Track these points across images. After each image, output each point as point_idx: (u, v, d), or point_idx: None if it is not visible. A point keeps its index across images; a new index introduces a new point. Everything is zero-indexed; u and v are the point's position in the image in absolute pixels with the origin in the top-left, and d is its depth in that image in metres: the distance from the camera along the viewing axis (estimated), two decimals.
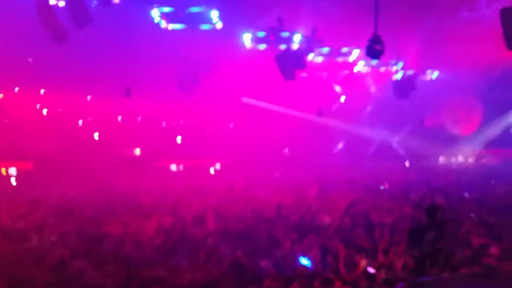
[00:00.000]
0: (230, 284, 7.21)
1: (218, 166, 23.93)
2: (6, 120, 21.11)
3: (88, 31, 14.07)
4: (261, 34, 20.14)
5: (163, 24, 18.59)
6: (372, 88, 26.34)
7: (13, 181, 18.75)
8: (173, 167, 23.74)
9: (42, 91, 22.63)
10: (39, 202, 12.57)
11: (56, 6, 14.64)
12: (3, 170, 19.50)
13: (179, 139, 24.82)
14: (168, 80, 20.20)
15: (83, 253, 8.48)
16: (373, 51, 11.83)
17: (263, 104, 24.70)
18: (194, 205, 12.75)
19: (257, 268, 8.05)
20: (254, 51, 20.85)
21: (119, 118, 24.26)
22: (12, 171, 19.61)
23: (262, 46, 20.97)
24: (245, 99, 24.47)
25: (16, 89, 21.56)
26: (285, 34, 18.99)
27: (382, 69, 24.39)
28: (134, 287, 7.29)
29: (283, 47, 19.08)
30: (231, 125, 25.52)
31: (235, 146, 23.35)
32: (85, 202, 12.80)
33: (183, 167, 24.06)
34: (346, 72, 24.76)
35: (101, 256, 8.45)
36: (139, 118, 24.80)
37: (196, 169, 22.77)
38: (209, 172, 22.83)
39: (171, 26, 18.73)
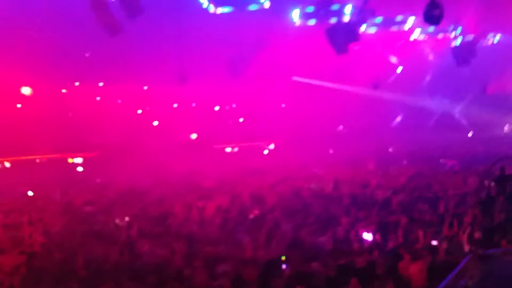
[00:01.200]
0: (291, 260, 7.26)
1: (272, 146, 23.96)
2: (70, 114, 22.22)
3: (139, 22, 14.37)
4: (310, 9, 19.69)
5: (212, 8, 18.65)
6: (430, 57, 25.15)
7: (79, 169, 19.81)
8: (229, 149, 24.02)
9: (100, 84, 23.53)
10: (106, 187, 13.26)
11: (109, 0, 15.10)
12: (70, 160, 20.63)
13: (233, 122, 25.08)
14: (219, 65, 20.34)
15: (149, 233, 8.89)
16: (431, 17, 11.29)
17: (315, 81, 24.30)
18: (251, 185, 12.92)
19: (317, 244, 8.07)
20: (303, 27, 20.47)
21: (175, 105, 24.83)
22: (78, 160, 20.69)
23: (312, 22, 20.52)
24: (296, 78, 24.18)
25: (77, 83, 22.57)
26: (335, 7, 18.45)
27: (440, 35, 23.18)
28: (199, 263, 7.52)
29: (333, 20, 18.58)
30: (283, 105, 25.36)
31: (288, 126, 23.23)
32: (149, 186, 13.32)
33: (238, 149, 24.29)
34: (402, 41, 23.73)
35: (166, 235, 8.80)
36: (193, 104, 25.26)
37: (251, 150, 22.94)
38: (264, 152, 22.93)
39: (220, 10, 18.77)
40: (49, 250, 7.98)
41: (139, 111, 24.57)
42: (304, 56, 22.25)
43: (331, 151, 20.08)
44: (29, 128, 19.19)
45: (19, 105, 20.46)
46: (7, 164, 19.31)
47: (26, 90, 20.37)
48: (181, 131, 23.83)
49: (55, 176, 16.58)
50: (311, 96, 24.15)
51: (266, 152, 22.94)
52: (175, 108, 24.93)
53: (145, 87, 24.20)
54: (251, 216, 9.87)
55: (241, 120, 24.55)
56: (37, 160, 19.68)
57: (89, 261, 7.43)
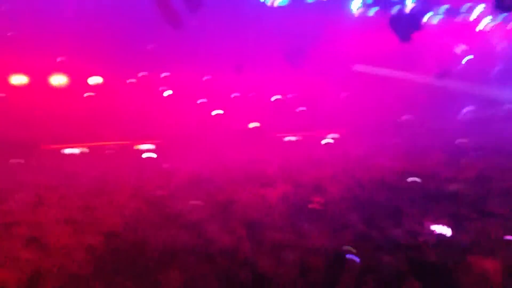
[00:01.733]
0: (360, 252, 7.20)
1: (333, 136, 23.64)
2: (135, 103, 23.14)
3: (200, 14, 14.71)
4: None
5: (269, 1, 18.71)
6: (499, 46, 23.79)
7: (146, 155, 20.61)
8: (289, 138, 24.02)
9: (162, 75, 24.28)
10: (171, 173, 13.73)
11: None
12: (137, 146, 21.50)
13: (293, 111, 25.02)
14: (277, 56, 20.40)
15: (214, 219, 9.12)
16: (502, 4, 10.69)
17: (377, 71, 23.73)
18: (313, 175, 12.88)
19: (387, 236, 7.93)
20: (363, 17, 20.06)
21: (234, 94, 25.14)
22: (144, 147, 21.51)
23: (372, 11, 20.05)
24: (357, 67, 23.71)
25: (140, 74, 23.42)
26: None
27: (510, 25, 21.90)
28: (265, 249, 7.63)
29: (395, 9, 18.08)
30: (343, 94, 24.96)
31: (349, 115, 22.86)
32: (211, 173, 13.62)
33: (299, 138, 24.23)
34: (468, 30, 22.66)
35: (230, 221, 8.98)
36: (251, 94, 25.46)
37: (312, 139, 22.76)
38: (325, 142, 22.66)
39: (277, 3, 18.79)
40: (123, 231, 8.39)
41: (199, 101, 25.10)
42: (364, 46, 21.85)
43: (394, 141, 19.52)
44: (98, 116, 20.24)
45: (88, 94, 21.54)
46: (78, 151, 20.44)
47: (94, 81, 21.40)
48: (240, 121, 24.11)
49: (125, 162, 17.37)
50: (373, 86, 23.63)
51: (327, 141, 22.70)
52: (235, 97, 25.24)
53: (205, 78, 24.68)
54: (315, 205, 9.87)
55: (301, 109, 24.44)
56: (107, 147, 20.71)
57: (161, 243, 7.77)
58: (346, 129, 22.86)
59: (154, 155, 19.62)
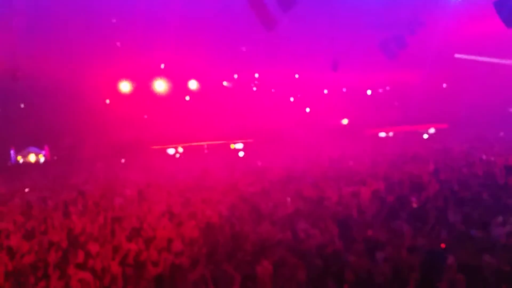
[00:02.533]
0: (458, 250, 6.78)
1: (432, 130, 22.42)
2: (229, 103, 24.02)
3: (292, 13, 14.70)
4: None
5: None
6: None
7: (240, 154, 21.39)
8: (383, 134, 23.28)
9: (256, 75, 24.88)
10: (264, 171, 14.07)
11: None
12: (232, 145, 22.38)
13: (386, 106, 24.20)
14: (372, 49, 19.81)
15: (306, 214, 9.17)
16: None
17: (482, 59, 21.91)
18: (409, 171, 12.37)
19: (489, 236, 7.39)
20: (464, 3, 18.69)
21: (325, 91, 24.97)
22: (239, 146, 22.32)
23: None
24: (459, 55, 22.13)
25: (235, 75, 24.23)
26: None
27: None
28: (359, 247, 7.50)
29: None
30: (444, 85, 23.47)
31: (450, 108, 21.46)
32: (303, 170, 13.71)
33: (393, 133, 23.36)
34: None
35: (322, 218, 8.96)
36: (344, 89, 25.07)
37: (408, 134, 21.84)
38: (423, 137, 21.58)
39: None
40: (219, 225, 8.82)
41: (292, 99, 25.31)
42: (465, 33, 20.37)
43: (501, 134, 17.91)
44: (197, 117, 21.39)
45: (187, 98, 22.84)
46: (180, 149, 21.84)
47: (193, 84, 22.63)
48: (332, 117, 23.88)
49: (221, 160, 18.17)
50: (477, 74, 21.90)
51: (425, 136, 21.54)
52: (326, 94, 25.05)
53: (296, 75, 24.81)
54: (411, 203, 9.48)
55: (393, 104, 23.52)
56: (205, 146, 21.87)
57: (254, 236, 8.03)
58: (447, 122, 21.51)
59: (248, 153, 20.33)
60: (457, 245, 6.99)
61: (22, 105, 20.32)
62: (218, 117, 22.08)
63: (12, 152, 19.25)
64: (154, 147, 21.27)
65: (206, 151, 20.98)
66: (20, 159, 19.44)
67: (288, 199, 10.09)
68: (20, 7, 15.18)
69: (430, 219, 8.28)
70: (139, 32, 18.37)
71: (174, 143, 21.82)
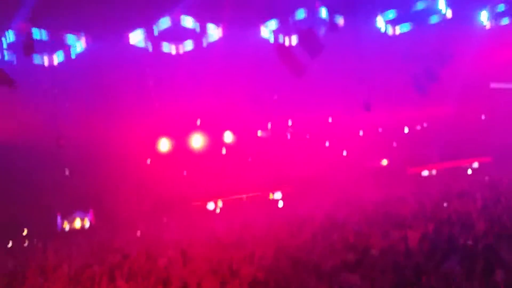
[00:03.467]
0: None
1: (476, 164, 21.56)
2: (267, 154, 24.04)
3: (321, 57, 14.83)
4: (501, 8, 17.75)
5: (390, 30, 18.35)
6: None
7: (280, 204, 21.17)
8: (425, 173, 22.57)
9: (290, 122, 25.00)
10: (305, 220, 13.82)
11: (290, 45, 16.20)
12: (271, 195, 22.25)
13: (426, 143, 23.56)
14: (403, 85, 19.63)
15: (352, 265, 8.85)
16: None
17: None
18: (457, 209, 11.86)
19: None
20: (494, 29, 18.46)
21: (361, 132, 24.71)
22: (277, 195, 22.16)
23: (505, 21, 18.38)
24: (495, 85, 21.54)
25: (269, 124, 24.43)
26: None
27: None
28: None
29: None
30: (483, 116, 22.75)
31: (492, 140, 20.66)
32: (346, 217, 13.38)
33: (436, 171, 22.62)
34: None
35: (370, 267, 8.62)
36: (380, 129, 24.74)
37: (452, 171, 21.08)
38: (468, 172, 20.76)
39: (399, 30, 18.35)
40: (263, 282, 8.63)
41: (327, 143, 25.13)
42: (500, 60, 19.95)
43: None
44: (234, 170, 21.48)
45: (224, 150, 23.11)
46: (220, 204, 21.91)
47: (228, 136, 22.92)
48: (371, 158, 23.46)
49: (260, 212, 18.02)
50: None
51: (470, 172, 20.71)
52: (362, 135, 24.78)
53: (330, 119, 24.75)
54: (462, 243, 9.02)
55: (433, 140, 22.85)
56: (244, 198, 21.84)
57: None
58: (491, 155, 20.65)
59: (287, 203, 20.09)
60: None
61: (67, 171, 21.09)
62: (255, 168, 22.13)
63: (58, 218, 19.84)
64: (195, 203, 21.43)
65: (245, 203, 20.94)
66: (66, 225, 19.98)
67: (332, 249, 9.80)
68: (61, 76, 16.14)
69: (482, 259, 7.83)
70: (173, 91, 19.06)
71: (213, 198, 21.92)
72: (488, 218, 10.20)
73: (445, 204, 13.10)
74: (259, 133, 24.05)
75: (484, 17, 18.23)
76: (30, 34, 13.62)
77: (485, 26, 18.40)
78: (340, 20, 16.44)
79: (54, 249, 14.76)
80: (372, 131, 24.02)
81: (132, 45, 16.15)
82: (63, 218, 20.14)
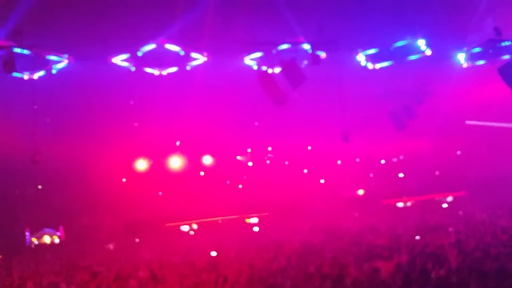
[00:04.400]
0: None
1: (450, 198, 21.97)
2: (244, 177, 24.14)
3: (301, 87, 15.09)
4: (477, 50, 18.47)
5: (370, 65, 18.84)
6: None
7: (255, 229, 21.05)
8: (400, 204, 22.87)
9: (269, 148, 25.19)
10: (282, 246, 13.73)
11: (273, 73, 16.45)
12: (247, 220, 22.14)
13: (401, 175, 23.96)
14: (381, 118, 20.08)
15: None
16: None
17: (495, 124, 21.91)
18: (431, 243, 11.97)
19: None
20: (470, 69, 19.16)
21: (339, 161, 25.01)
22: (254, 220, 22.07)
23: (480, 62, 19.10)
24: (470, 122, 22.20)
25: (249, 150, 24.56)
26: (505, 44, 16.94)
27: None
28: None
29: (505, 57, 17.00)
30: (458, 152, 23.34)
31: (468, 174, 21.15)
32: (321, 244, 13.35)
33: (411, 203, 22.93)
34: None
35: None
36: (357, 159, 25.09)
37: (427, 204, 21.38)
38: (443, 206, 21.07)
39: (379, 66, 18.85)
40: None
41: (305, 171, 25.31)
42: (475, 98, 20.62)
43: None
44: (211, 192, 21.40)
45: (202, 173, 23.02)
46: (195, 226, 21.65)
47: (207, 159, 22.91)
48: (347, 187, 23.68)
49: (235, 236, 17.85)
50: (490, 140, 21.82)
51: (445, 205, 21.04)
52: (339, 164, 25.05)
53: (309, 147, 25.02)
54: (434, 277, 9.06)
55: (409, 173, 23.26)
56: (219, 221, 21.68)
57: None
58: (466, 189, 21.11)
59: (261, 227, 20.00)
60: None
61: (40, 187, 20.66)
62: (232, 192, 22.07)
63: (27, 233, 19.29)
64: (168, 224, 21.14)
65: (220, 226, 20.76)
66: (34, 240, 19.42)
67: (306, 276, 9.73)
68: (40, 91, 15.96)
69: None
70: (154, 112, 19.03)
71: (188, 220, 21.69)
72: (461, 252, 10.30)
73: (418, 237, 13.21)
74: (239, 157, 24.11)
75: (461, 57, 18.90)
76: (11, 51, 13.46)
77: (462, 65, 19.06)
78: (322, 54, 16.82)
79: (21, 265, 14.26)
80: (349, 161, 24.31)
81: (114, 65, 16.13)
82: (32, 234, 19.58)
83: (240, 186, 22.43)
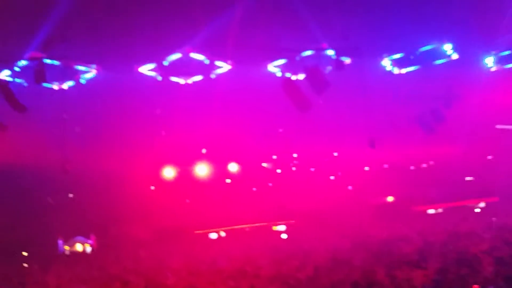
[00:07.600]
0: None
1: (482, 204, 21.35)
2: (270, 184, 24.07)
3: (326, 93, 15.01)
4: (505, 53, 18.11)
5: (396, 70, 18.63)
6: None
7: (283, 236, 20.96)
8: (431, 211, 22.37)
9: (294, 155, 25.08)
10: (309, 254, 13.62)
11: (297, 80, 16.48)
12: (274, 227, 22.05)
13: (432, 181, 23.43)
14: (409, 123, 19.76)
15: None
16: None
17: None
18: (463, 250, 11.66)
19: None
20: (499, 72, 18.76)
21: (366, 168, 24.66)
22: (281, 227, 21.97)
23: (510, 65, 18.70)
24: (500, 126, 21.60)
25: (274, 157, 24.52)
26: None
27: None
28: None
29: None
30: (489, 157, 22.70)
31: (499, 181, 20.55)
32: (350, 252, 13.18)
33: (442, 209, 22.40)
34: None
35: None
36: (385, 165, 24.70)
37: (457, 210, 20.86)
38: (473, 212, 20.51)
39: (404, 70, 18.64)
40: None
41: (332, 177, 25.08)
42: (505, 101, 20.13)
43: None
44: (237, 200, 21.46)
45: (228, 180, 23.09)
46: (222, 234, 21.72)
47: (233, 167, 23.00)
48: (376, 194, 23.34)
49: (264, 243, 17.80)
50: None
51: (477, 210, 20.50)
52: (367, 171, 24.72)
53: (335, 153, 24.79)
54: (468, 285, 8.82)
55: (438, 179, 22.74)
56: (247, 229, 21.68)
57: None
58: (498, 195, 20.50)
59: (290, 235, 19.86)
60: None
61: (71, 195, 21.15)
62: (259, 199, 22.06)
63: (60, 242, 19.74)
64: (197, 232, 21.27)
65: (248, 234, 20.76)
66: (67, 248, 19.85)
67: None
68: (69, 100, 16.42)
69: None
70: (180, 120, 19.28)
71: (216, 227, 21.77)
72: (497, 260, 10.01)
73: (451, 245, 12.90)
74: (264, 164, 24.09)
75: (489, 61, 18.54)
76: (42, 62, 13.87)
77: (490, 69, 18.68)
78: (347, 60, 16.75)
79: (56, 274, 14.58)
80: (377, 167, 23.97)
81: (141, 74, 16.48)
82: (64, 242, 20.02)
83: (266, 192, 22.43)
